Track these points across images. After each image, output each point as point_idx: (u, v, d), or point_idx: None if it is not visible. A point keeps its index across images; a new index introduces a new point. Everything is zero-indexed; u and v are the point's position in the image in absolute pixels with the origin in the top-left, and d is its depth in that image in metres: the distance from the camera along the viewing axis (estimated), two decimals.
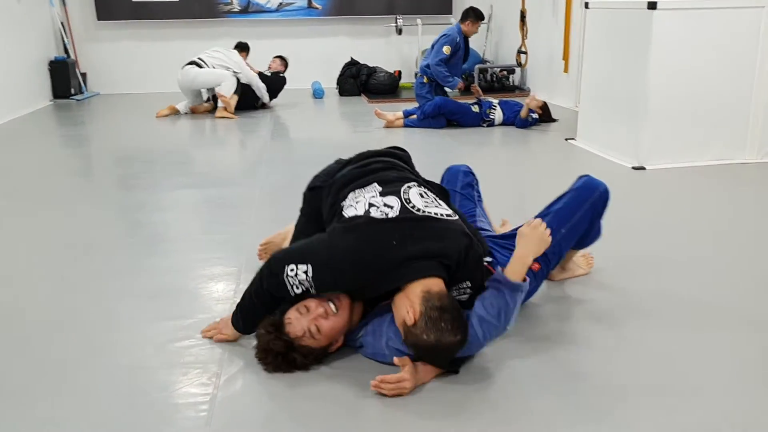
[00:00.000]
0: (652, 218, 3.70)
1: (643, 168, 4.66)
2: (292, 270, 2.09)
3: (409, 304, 2.01)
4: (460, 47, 6.78)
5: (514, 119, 6.35)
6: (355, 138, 6.17)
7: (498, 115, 6.41)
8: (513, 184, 4.54)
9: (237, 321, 2.29)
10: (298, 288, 2.11)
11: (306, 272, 2.08)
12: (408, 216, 2.15)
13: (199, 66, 7.31)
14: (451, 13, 9.61)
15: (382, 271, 2.07)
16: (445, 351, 2.00)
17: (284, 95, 8.00)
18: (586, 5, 5.38)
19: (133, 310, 2.63)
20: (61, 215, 3.90)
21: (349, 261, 2.09)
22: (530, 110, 6.27)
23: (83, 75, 9.04)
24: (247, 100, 7.47)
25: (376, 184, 2.29)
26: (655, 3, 4.41)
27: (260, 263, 2.29)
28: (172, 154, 5.49)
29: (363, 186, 2.30)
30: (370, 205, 2.19)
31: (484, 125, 6.39)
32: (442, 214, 2.19)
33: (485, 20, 9.56)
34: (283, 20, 9.45)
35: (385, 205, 2.18)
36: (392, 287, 2.09)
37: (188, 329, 2.45)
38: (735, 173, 4.55)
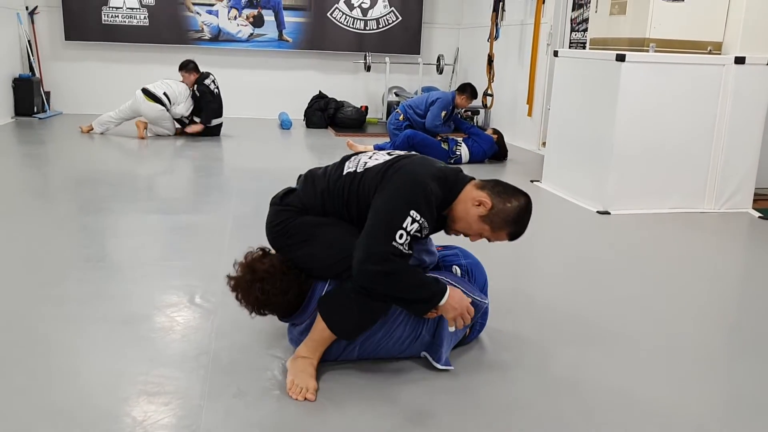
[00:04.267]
0: (614, 263, 3.80)
1: (608, 212, 4.79)
2: (401, 236, 2.12)
3: (472, 201, 2.26)
4: (450, 113, 6.90)
5: (482, 157, 6.50)
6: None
7: (464, 152, 6.54)
8: None
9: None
10: (410, 240, 2.15)
11: (414, 219, 2.14)
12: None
13: (150, 95, 7.25)
14: (418, 53, 9.80)
15: (450, 180, 2.28)
16: (530, 205, 2.31)
17: (251, 124, 7.97)
18: (555, 53, 5.55)
19: (108, 337, 2.57)
20: (23, 237, 3.80)
21: (430, 176, 2.22)
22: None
23: (47, 93, 8.92)
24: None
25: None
26: (624, 56, 4.59)
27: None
28: (137, 179, 5.43)
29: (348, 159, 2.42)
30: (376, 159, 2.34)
31: (451, 161, 6.50)
32: None
33: (453, 64, 9.81)
34: (253, 50, 9.50)
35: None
36: (456, 196, 2.29)
37: (167, 359, 2.41)
38: (695, 221, 4.71)
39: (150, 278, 3.22)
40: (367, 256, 2.12)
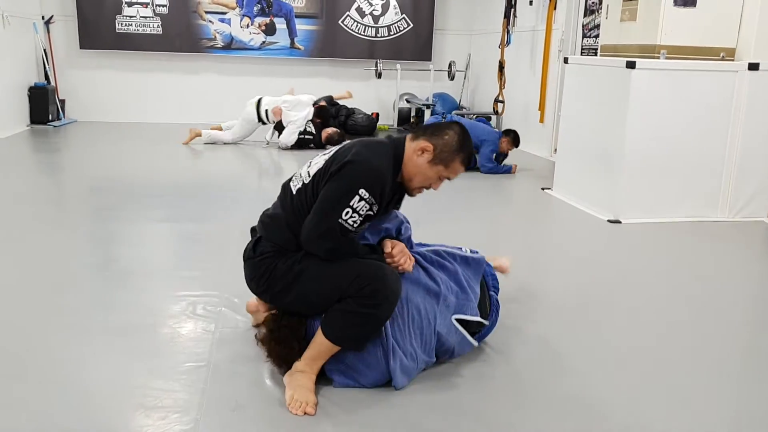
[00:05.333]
0: (625, 272, 3.75)
1: (618, 221, 4.74)
2: (347, 214, 2.19)
3: (416, 153, 2.33)
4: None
5: (493, 168, 6.48)
6: None
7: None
8: (489, 233, 4.56)
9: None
10: (358, 219, 2.21)
11: (362, 197, 2.19)
12: None
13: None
14: (430, 60, 9.78)
15: (391, 147, 2.34)
16: (463, 128, 2.38)
17: (262, 131, 7.99)
18: (566, 60, 5.50)
19: (108, 348, 2.57)
20: (33, 245, 3.82)
21: (375, 154, 2.27)
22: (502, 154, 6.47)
23: (62, 102, 8.99)
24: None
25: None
26: (634, 63, 4.54)
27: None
28: (149, 187, 5.44)
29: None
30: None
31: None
32: None
33: (464, 71, 9.78)
34: (265, 59, 9.53)
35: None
36: (402, 157, 2.35)
37: (166, 371, 2.40)
38: (708, 231, 4.64)
39: (152, 288, 3.21)
40: (314, 232, 2.23)
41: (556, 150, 6.70)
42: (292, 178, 2.45)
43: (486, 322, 2.56)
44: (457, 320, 2.45)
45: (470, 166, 6.46)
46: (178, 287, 3.22)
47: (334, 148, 2.37)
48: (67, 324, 2.78)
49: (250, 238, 2.48)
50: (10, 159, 6.59)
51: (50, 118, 8.58)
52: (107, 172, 5.98)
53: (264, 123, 7.62)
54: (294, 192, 2.35)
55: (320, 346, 2.25)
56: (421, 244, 2.67)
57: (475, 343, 2.50)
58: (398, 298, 2.27)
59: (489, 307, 2.61)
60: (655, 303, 3.27)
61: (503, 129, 6.74)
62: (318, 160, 2.37)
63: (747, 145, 4.80)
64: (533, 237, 4.55)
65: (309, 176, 2.33)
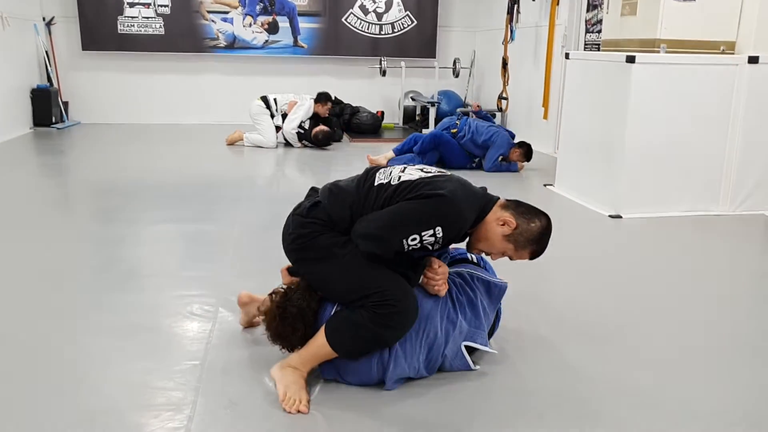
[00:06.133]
0: (626, 266, 3.74)
1: (619, 216, 4.72)
2: (413, 239, 2.18)
3: (497, 222, 2.30)
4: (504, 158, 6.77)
5: (502, 166, 6.46)
6: (337, 175, 6.17)
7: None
8: None
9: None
10: (418, 247, 2.21)
11: (435, 234, 2.18)
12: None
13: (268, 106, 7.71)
14: (434, 57, 9.77)
15: (481, 203, 2.32)
16: (550, 225, 2.38)
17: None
18: (567, 56, 5.49)
19: (104, 348, 2.59)
20: (35, 247, 3.85)
21: (468, 204, 2.25)
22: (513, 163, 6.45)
23: (65, 104, 9.02)
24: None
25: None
26: (634, 57, 4.52)
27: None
28: (152, 188, 5.46)
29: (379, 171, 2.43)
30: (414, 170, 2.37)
31: (473, 164, 6.48)
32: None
33: (469, 68, 9.76)
34: (268, 57, 9.53)
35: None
36: (484, 217, 2.32)
37: (161, 369, 2.41)
38: (709, 224, 4.62)
39: (151, 288, 3.23)
40: (373, 234, 2.20)
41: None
42: (379, 168, 2.44)
43: (495, 352, 2.52)
44: (466, 347, 2.42)
45: (475, 167, 6.49)
46: (177, 287, 3.24)
47: (433, 172, 2.35)
48: (66, 325, 2.79)
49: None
50: (13, 161, 6.63)
51: (53, 120, 8.61)
52: (111, 174, 6.01)
53: (272, 114, 7.65)
54: (376, 183, 2.33)
55: (319, 349, 2.24)
56: (457, 250, 2.66)
57: (477, 368, 2.45)
58: (409, 329, 2.25)
59: (496, 324, 2.62)
60: (657, 297, 3.26)
61: (517, 141, 6.64)
62: (413, 171, 2.35)
63: (747, 139, 4.77)
64: None
65: (398, 180, 2.30)
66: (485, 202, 2.33)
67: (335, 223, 2.30)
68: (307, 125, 7.68)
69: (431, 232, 2.17)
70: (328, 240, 2.28)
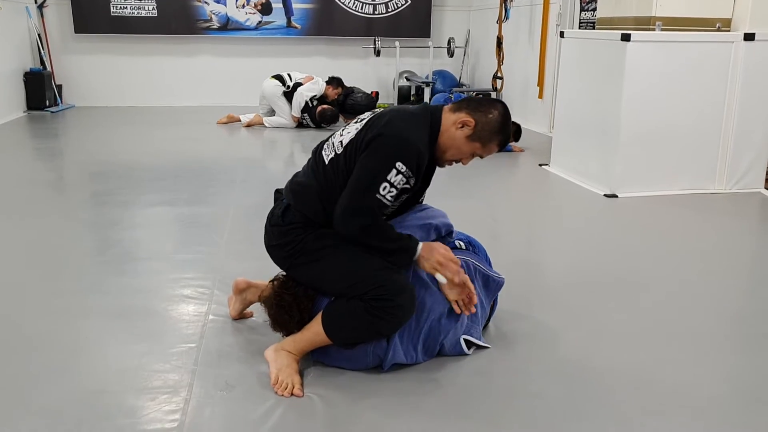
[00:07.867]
0: (622, 246, 3.74)
1: (615, 196, 4.72)
2: (384, 188, 2.15)
3: (455, 125, 2.27)
4: None
5: None
6: None
7: None
8: (488, 209, 4.55)
9: None
10: (396, 192, 2.18)
11: (399, 170, 2.15)
12: None
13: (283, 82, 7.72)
14: (429, 37, 9.70)
15: (428, 117, 2.29)
16: (507, 109, 2.34)
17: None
18: (561, 34, 5.46)
19: (100, 331, 2.59)
20: (29, 231, 3.84)
21: (410, 125, 2.22)
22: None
23: (59, 87, 8.96)
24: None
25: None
26: (629, 35, 4.50)
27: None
28: (147, 171, 5.44)
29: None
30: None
31: None
32: None
33: (464, 47, 9.70)
34: (262, 38, 9.46)
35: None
36: (439, 128, 2.29)
37: (157, 352, 2.42)
38: (705, 203, 4.62)
39: (147, 272, 3.23)
40: (349, 208, 2.17)
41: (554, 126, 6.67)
42: (323, 145, 2.39)
43: (489, 346, 2.49)
44: (464, 340, 2.42)
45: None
46: (173, 270, 3.24)
47: (365, 117, 2.31)
48: (61, 308, 2.79)
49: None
50: (7, 145, 6.59)
51: (47, 103, 8.55)
52: (105, 157, 5.98)
53: (287, 88, 7.67)
54: (327, 162, 2.29)
55: (315, 336, 2.24)
56: (457, 233, 2.62)
57: (470, 353, 2.43)
58: (405, 322, 2.23)
59: (490, 316, 2.62)
60: (653, 275, 3.27)
61: None
62: (350, 129, 2.31)
63: (743, 116, 4.76)
64: (530, 213, 4.55)
65: (342, 146, 2.27)
66: (429, 115, 2.30)
67: (312, 220, 2.30)
68: (312, 104, 7.74)
69: (394, 171, 2.14)
70: (316, 240, 2.28)
